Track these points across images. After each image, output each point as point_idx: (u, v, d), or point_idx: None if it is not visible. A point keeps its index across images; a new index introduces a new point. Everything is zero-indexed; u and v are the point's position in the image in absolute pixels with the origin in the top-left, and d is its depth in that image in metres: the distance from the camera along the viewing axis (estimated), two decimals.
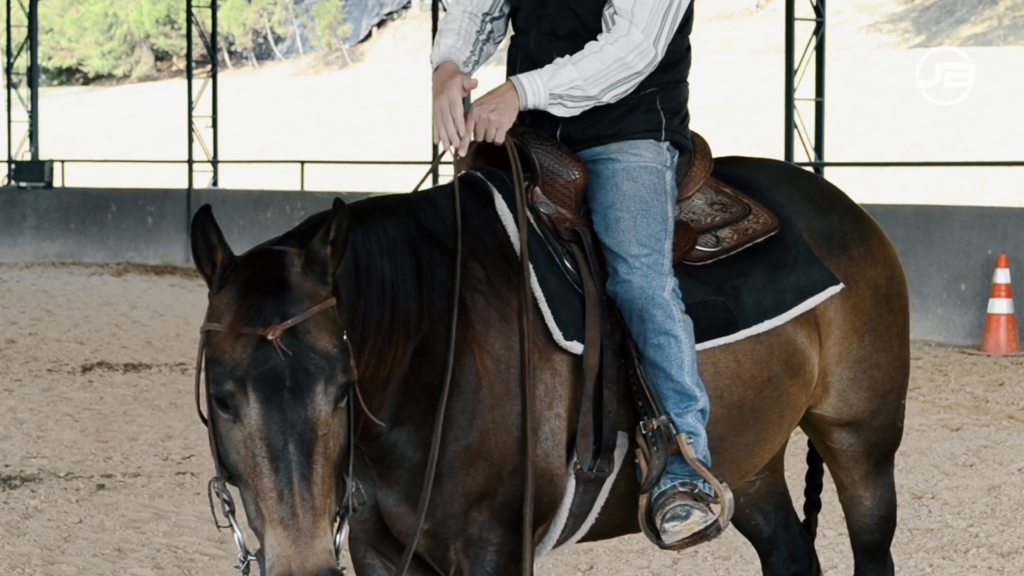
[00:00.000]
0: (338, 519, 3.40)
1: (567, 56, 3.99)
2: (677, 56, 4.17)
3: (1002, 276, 13.32)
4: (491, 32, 4.27)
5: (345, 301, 3.56)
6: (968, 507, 7.74)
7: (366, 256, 3.67)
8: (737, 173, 4.42)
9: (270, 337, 3.28)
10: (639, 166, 4.07)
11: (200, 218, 3.38)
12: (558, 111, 4.01)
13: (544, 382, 3.85)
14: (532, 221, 3.99)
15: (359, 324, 3.57)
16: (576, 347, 3.88)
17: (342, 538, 3.41)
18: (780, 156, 16.84)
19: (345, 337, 3.41)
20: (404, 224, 3.81)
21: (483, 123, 3.92)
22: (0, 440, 9.43)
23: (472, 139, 3.96)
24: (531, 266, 3.89)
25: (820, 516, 4.98)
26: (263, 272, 3.38)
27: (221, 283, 3.40)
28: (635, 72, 4.00)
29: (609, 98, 4.01)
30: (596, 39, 4.01)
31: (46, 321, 15.98)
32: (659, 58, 4.02)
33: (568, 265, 3.98)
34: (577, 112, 4.02)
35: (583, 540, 4.12)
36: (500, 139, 3.94)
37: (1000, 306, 13.31)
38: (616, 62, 3.96)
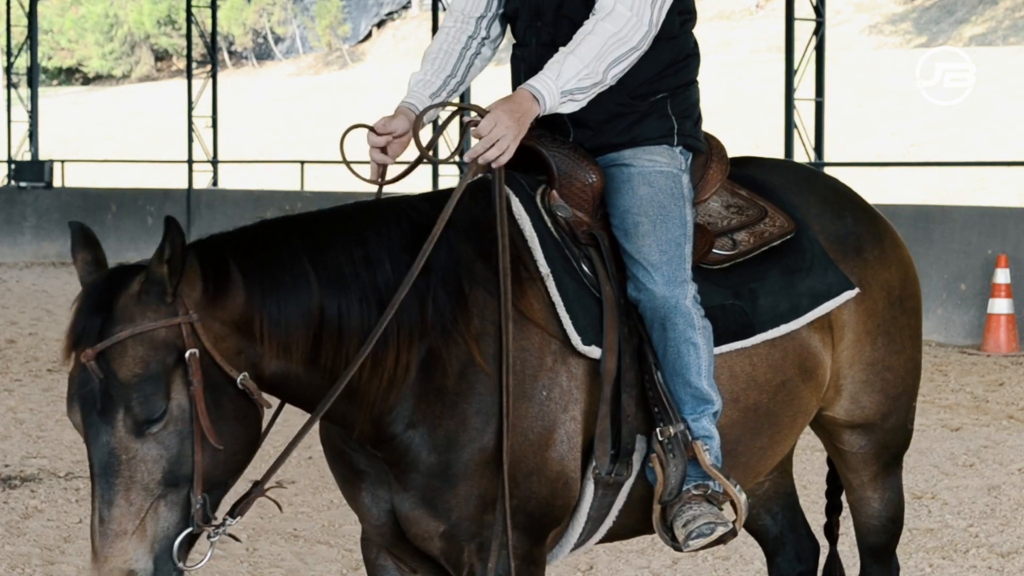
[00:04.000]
0: (183, 537, 3.41)
1: (561, 50, 3.91)
2: (684, 55, 4.12)
3: (1002, 276, 13.32)
4: (485, 38, 4.20)
5: (305, 307, 3.56)
6: (968, 507, 7.74)
7: (335, 262, 3.64)
8: (751, 174, 4.38)
9: (83, 360, 3.36)
10: (655, 171, 4.03)
11: (74, 232, 3.52)
12: (569, 108, 3.90)
13: (560, 385, 3.82)
14: (549, 224, 3.94)
15: (333, 328, 3.59)
16: (594, 352, 3.84)
17: (178, 554, 3.41)
18: (780, 156, 16.84)
19: (191, 355, 3.38)
20: (399, 228, 3.76)
21: (492, 138, 3.76)
22: (0, 440, 9.43)
23: (482, 152, 3.78)
24: (548, 270, 3.85)
25: (810, 518, 4.97)
26: (99, 291, 3.44)
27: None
28: (632, 47, 3.90)
29: (612, 77, 3.90)
30: (586, 22, 3.92)
31: (46, 321, 15.97)
32: (653, 32, 3.93)
33: (586, 269, 3.93)
34: (585, 103, 3.92)
35: (600, 542, 4.11)
36: (502, 162, 3.79)
37: (1000, 306, 13.31)
38: (611, 37, 3.86)
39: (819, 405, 4.39)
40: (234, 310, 3.49)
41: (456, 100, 4.22)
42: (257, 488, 3.63)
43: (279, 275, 3.58)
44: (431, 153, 3.91)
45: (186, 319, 3.40)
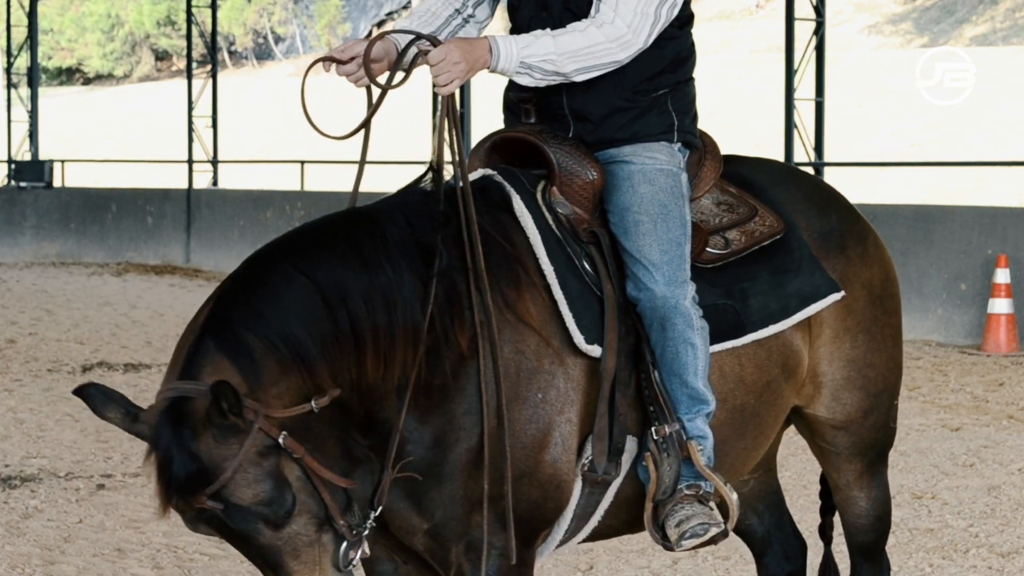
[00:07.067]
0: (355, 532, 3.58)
1: (547, 30, 3.93)
2: (684, 54, 4.15)
3: (1002, 276, 13.32)
4: (471, 16, 4.21)
5: (318, 315, 3.57)
6: (968, 507, 7.74)
7: (341, 270, 3.65)
8: (739, 172, 4.40)
9: (197, 507, 3.43)
10: (655, 169, 4.04)
11: (86, 399, 3.45)
12: (525, 80, 3.92)
13: (556, 388, 3.83)
14: (551, 222, 3.96)
15: (346, 331, 3.59)
16: (596, 351, 3.86)
17: (357, 554, 3.59)
18: (780, 156, 16.82)
19: (285, 438, 3.45)
20: (396, 232, 3.77)
21: (443, 64, 3.77)
22: (0, 440, 9.43)
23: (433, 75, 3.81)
24: (552, 268, 3.87)
25: (811, 518, 4.98)
26: (173, 444, 3.41)
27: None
28: (615, 60, 3.94)
29: (579, 78, 3.94)
30: (582, 21, 3.94)
31: (46, 321, 15.97)
32: (642, 50, 3.96)
33: (587, 267, 3.95)
34: (543, 85, 3.94)
35: (583, 541, 4.11)
36: (448, 91, 3.79)
37: (1000, 306, 13.31)
38: (598, 45, 3.89)
39: (795, 402, 4.40)
40: (278, 375, 3.52)
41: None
42: (386, 474, 3.69)
43: (291, 317, 3.56)
44: (392, 84, 3.88)
45: (261, 423, 3.44)
